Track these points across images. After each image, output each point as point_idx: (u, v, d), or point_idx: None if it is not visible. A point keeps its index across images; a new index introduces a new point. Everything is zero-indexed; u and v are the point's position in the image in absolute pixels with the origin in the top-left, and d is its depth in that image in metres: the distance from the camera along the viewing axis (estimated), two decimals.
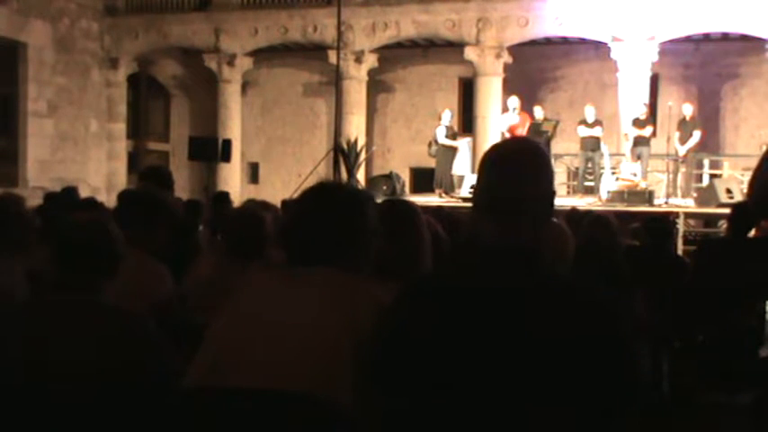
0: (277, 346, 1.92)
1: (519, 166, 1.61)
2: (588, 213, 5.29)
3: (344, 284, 2.01)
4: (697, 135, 12.97)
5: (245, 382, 1.92)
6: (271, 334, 1.94)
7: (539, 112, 13.39)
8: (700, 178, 14.25)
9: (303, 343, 1.91)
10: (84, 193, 8.49)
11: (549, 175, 1.66)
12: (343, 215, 2.01)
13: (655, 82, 15.49)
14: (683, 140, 12.99)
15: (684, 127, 13.06)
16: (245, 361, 1.93)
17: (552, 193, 1.67)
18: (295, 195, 9.13)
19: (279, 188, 17.19)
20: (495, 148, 1.70)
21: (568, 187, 15.56)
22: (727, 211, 9.24)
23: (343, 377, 1.84)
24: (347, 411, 1.83)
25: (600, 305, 1.56)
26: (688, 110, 13.25)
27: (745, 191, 11.24)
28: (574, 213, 6.28)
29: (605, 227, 3.82)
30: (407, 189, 16.04)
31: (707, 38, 15.33)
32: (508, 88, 14.94)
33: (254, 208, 4.15)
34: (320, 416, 1.86)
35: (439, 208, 5.94)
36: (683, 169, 13.56)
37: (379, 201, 2.40)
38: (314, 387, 1.87)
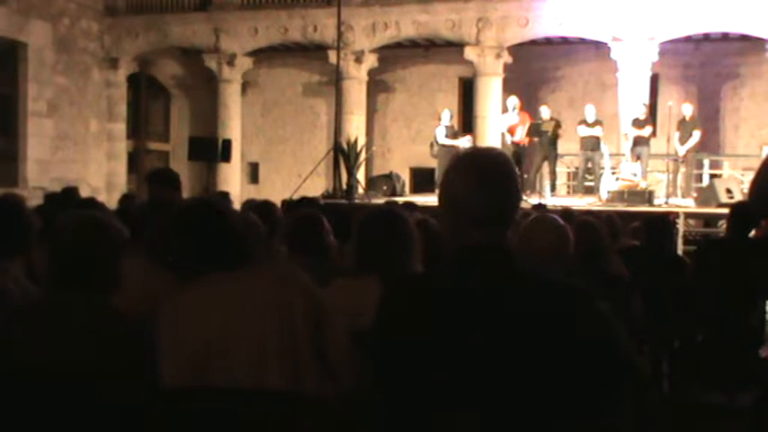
0: (246, 346, 2.00)
1: (497, 178, 1.70)
2: (581, 215, 5.27)
3: (285, 275, 2.17)
4: (697, 135, 12.96)
5: (224, 382, 1.97)
6: (237, 334, 2.02)
7: (545, 112, 13.38)
8: (700, 178, 14.25)
9: (268, 339, 2.00)
10: (84, 193, 8.50)
11: (516, 182, 1.76)
12: (230, 222, 2.23)
13: (655, 82, 15.50)
14: (682, 140, 12.99)
15: (684, 127, 13.06)
16: (221, 360, 2.01)
17: (520, 197, 1.79)
18: (294, 197, 9.14)
19: (279, 188, 17.19)
20: (469, 161, 1.76)
21: (568, 187, 15.57)
22: (727, 211, 9.25)
23: (309, 367, 1.97)
24: (325, 404, 1.89)
25: (579, 296, 1.64)
26: (688, 110, 13.25)
27: (745, 191, 11.25)
28: (565, 213, 6.25)
29: (593, 231, 3.80)
30: (407, 189, 16.04)
31: (707, 38, 15.34)
32: (508, 88, 14.94)
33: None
34: (302, 412, 1.91)
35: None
36: (683, 169, 13.55)
37: (379, 201, 2.49)
38: (286, 377, 1.93)
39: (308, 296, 2.08)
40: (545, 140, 13.10)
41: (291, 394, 1.94)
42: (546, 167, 13.47)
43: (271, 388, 1.97)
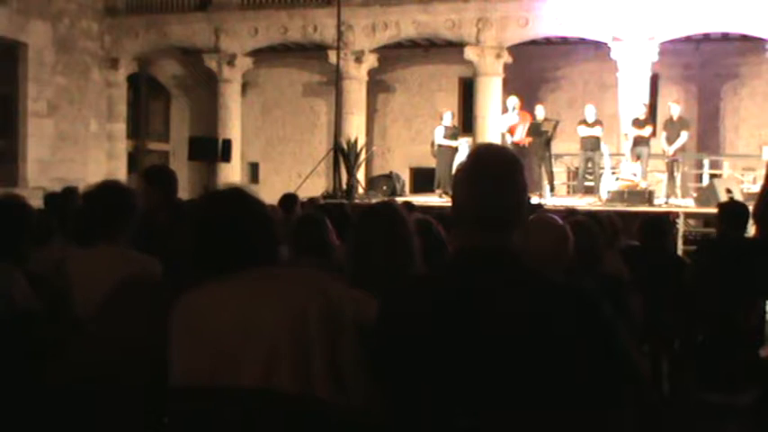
0: (256, 349, 1.96)
1: (499, 179, 1.68)
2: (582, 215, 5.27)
3: (305, 278, 2.10)
4: (684, 135, 12.77)
5: (233, 383, 1.96)
6: (248, 336, 1.98)
7: (540, 112, 13.36)
8: (700, 178, 14.24)
9: (280, 343, 1.95)
10: None
11: (524, 181, 1.73)
12: (256, 217, 2.12)
13: (655, 82, 15.50)
14: (670, 141, 12.87)
15: (672, 127, 12.91)
16: (230, 361, 1.97)
17: (527, 197, 1.76)
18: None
19: (279, 188, 17.10)
20: (472, 160, 1.74)
21: (568, 187, 15.56)
22: None
23: (321, 375, 1.92)
24: (332, 408, 1.87)
25: (580, 297, 1.64)
26: (675, 110, 13.06)
27: (745, 191, 11.27)
28: (569, 213, 6.25)
29: (586, 232, 3.79)
30: (407, 189, 16.04)
31: (707, 38, 15.34)
32: (508, 88, 14.94)
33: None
34: (308, 414, 1.90)
35: (441, 209, 5.96)
36: (683, 169, 13.51)
37: (375, 201, 2.45)
38: (296, 383, 1.92)
39: (328, 302, 1.99)
40: (541, 141, 13.06)
41: (301, 396, 1.92)
42: (543, 168, 13.41)
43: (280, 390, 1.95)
